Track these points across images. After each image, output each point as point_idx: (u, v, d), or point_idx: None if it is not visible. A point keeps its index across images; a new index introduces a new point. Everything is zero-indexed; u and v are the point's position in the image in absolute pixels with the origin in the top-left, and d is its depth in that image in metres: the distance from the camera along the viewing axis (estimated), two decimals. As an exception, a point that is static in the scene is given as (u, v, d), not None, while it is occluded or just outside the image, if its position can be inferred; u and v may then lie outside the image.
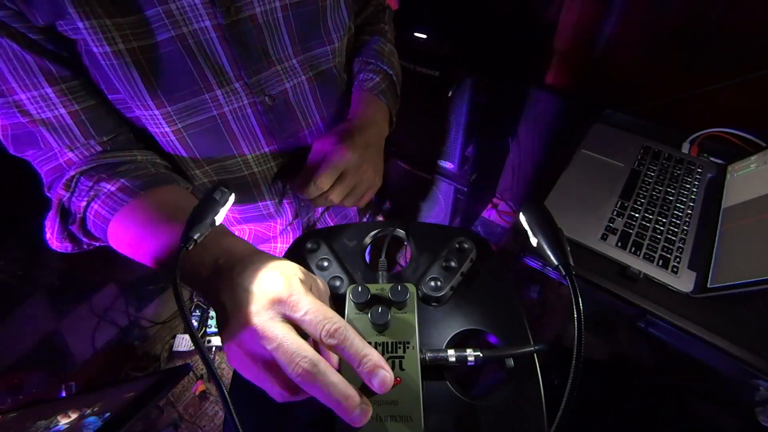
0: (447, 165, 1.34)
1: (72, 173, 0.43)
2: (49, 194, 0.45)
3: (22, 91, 0.38)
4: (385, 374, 0.29)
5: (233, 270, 0.32)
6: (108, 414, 0.69)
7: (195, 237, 0.32)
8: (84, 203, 0.42)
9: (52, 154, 0.43)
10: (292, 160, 0.58)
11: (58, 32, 0.37)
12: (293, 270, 0.33)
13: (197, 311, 1.63)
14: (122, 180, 0.42)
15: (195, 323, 1.61)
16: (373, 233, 0.48)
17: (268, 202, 0.61)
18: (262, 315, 0.29)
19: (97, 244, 0.48)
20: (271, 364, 0.29)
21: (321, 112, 0.57)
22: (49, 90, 0.39)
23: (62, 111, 0.41)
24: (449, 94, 1.13)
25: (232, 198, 0.36)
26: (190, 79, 0.43)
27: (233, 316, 0.30)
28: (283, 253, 0.46)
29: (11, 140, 0.42)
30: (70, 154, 0.43)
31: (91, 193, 0.42)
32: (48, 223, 0.45)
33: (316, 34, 0.51)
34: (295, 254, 0.45)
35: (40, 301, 1.28)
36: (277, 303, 0.30)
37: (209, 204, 0.34)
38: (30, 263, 1.14)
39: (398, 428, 0.31)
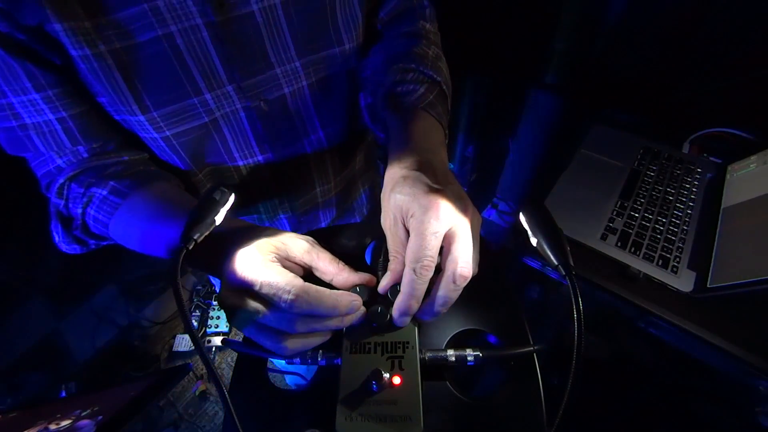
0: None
1: (61, 180, 0.43)
2: (47, 194, 0.45)
3: (13, 96, 0.38)
4: (355, 304, 0.34)
5: (218, 252, 0.35)
6: (107, 414, 0.69)
7: (195, 237, 0.32)
8: (80, 210, 0.43)
9: (43, 159, 0.43)
10: (289, 169, 0.55)
11: (47, 33, 0.35)
12: (254, 248, 0.34)
13: (197, 311, 1.63)
14: (111, 182, 0.42)
15: (195, 323, 1.61)
16: (372, 233, 0.48)
17: (263, 216, 0.59)
18: (230, 298, 0.32)
19: (105, 243, 0.49)
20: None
21: (323, 120, 0.53)
22: (36, 96, 0.38)
23: (51, 117, 0.40)
24: (449, 94, 1.13)
25: (232, 198, 0.36)
26: (177, 82, 0.40)
27: (221, 295, 0.34)
28: None
29: (6, 143, 0.42)
30: (59, 161, 0.43)
31: (84, 199, 0.43)
32: (53, 229, 0.46)
33: (323, 35, 0.46)
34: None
35: (40, 301, 1.28)
36: (240, 284, 0.32)
37: (209, 204, 0.34)
38: (30, 263, 1.14)
39: (398, 428, 0.31)
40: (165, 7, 0.37)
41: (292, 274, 0.33)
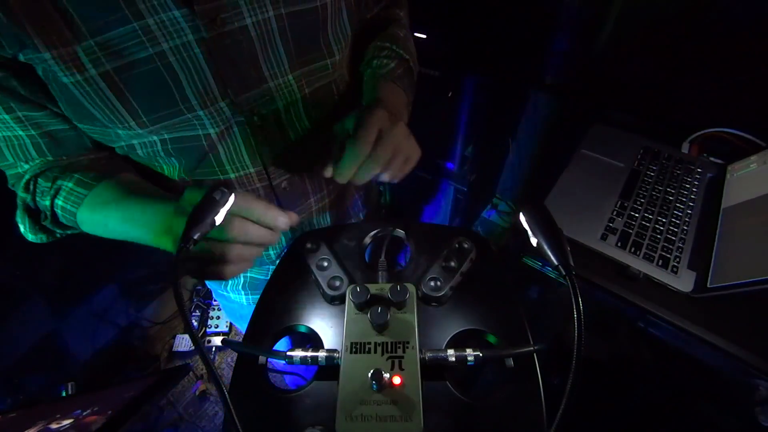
0: (447, 165, 1.35)
1: (28, 177, 0.45)
2: (13, 189, 0.48)
3: None
4: (285, 220, 0.39)
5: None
6: (108, 414, 0.69)
7: (195, 237, 0.32)
8: (48, 202, 0.45)
9: (11, 164, 0.45)
10: (282, 181, 0.55)
11: (21, 62, 0.35)
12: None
13: (197, 311, 1.63)
14: (77, 175, 0.45)
15: (195, 323, 1.61)
16: (372, 233, 0.48)
17: None
18: (177, 222, 0.36)
19: (70, 231, 0.51)
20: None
21: (315, 130, 0.54)
22: (6, 117, 0.40)
23: (21, 133, 0.42)
24: (449, 94, 1.13)
25: (232, 198, 0.36)
26: (170, 100, 0.41)
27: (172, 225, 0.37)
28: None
29: None
30: (26, 166, 0.45)
31: (52, 192, 0.45)
32: (19, 221, 0.48)
33: (315, 47, 0.47)
34: (295, 254, 0.45)
35: (40, 301, 1.28)
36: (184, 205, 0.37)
37: (209, 204, 0.34)
38: (30, 263, 1.14)
39: (398, 428, 0.31)
40: (156, 25, 0.36)
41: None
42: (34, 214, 0.48)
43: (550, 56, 1.30)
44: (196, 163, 0.49)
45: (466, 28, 1.19)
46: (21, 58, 0.35)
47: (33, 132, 0.42)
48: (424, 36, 1.11)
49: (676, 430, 0.91)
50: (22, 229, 0.49)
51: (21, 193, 0.46)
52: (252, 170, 0.51)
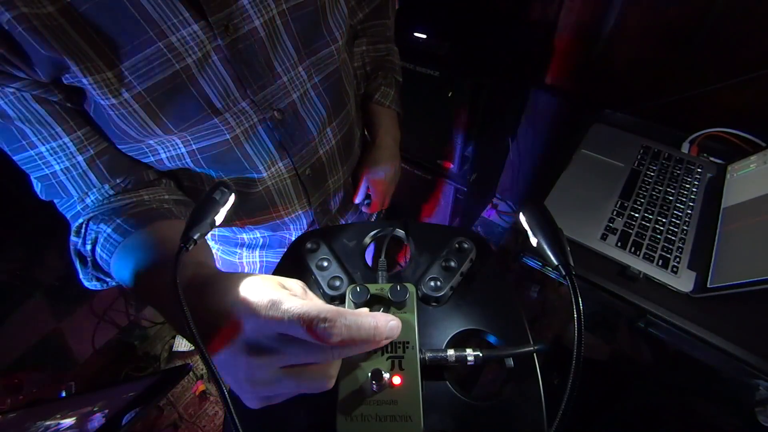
0: (447, 165, 1.34)
1: (82, 220, 0.44)
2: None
3: (42, 144, 0.40)
4: (393, 325, 0.29)
5: (212, 285, 0.30)
6: (108, 414, 0.69)
7: (195, 237, 0.32)
8: (89, 247, 0.44)
9: (72, 202, 0.45)
10: (306, 169, 0.57)
11: (64, 84, 0.36)
12: (263, 286, 0.28)
13: (197, 311, 1.63)
14: (118, 220, 0.42)
15: (195, 323, 1.60)
16: (372, 233, 0.48)
17: (282, 212, 0.61)
18: (249, 355, 0.27)
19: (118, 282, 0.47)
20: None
21: (329, 115, 0.56)
22: (66, 140, 0.40)
23: (80, 159, 0.42)
24: (449, 95, 1.13)
25: (232, 198, 0.36)
26: (197, 107, 0.42)
27: (232, 361, 0.28)
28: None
29: (41, 190, 0.45)
30: (87, 200, 0.45)
31: (93, 236, 0.43)
32: (75, 266, 0.47)
33: (318, 35, 0.49)
34: (295, 254, 0.45)
35: (40, 301, 1.28)
36: (262, 329, 0.27)
37: (209, 204, 0.34)
38: (30, 263, 1.14)
39: (398, 428, 0.31)
40: (178, 42, 0.38)
41: (318, 300, 0.28)
42: (83, 260, 0.46)
43: (550, 56, 1.30)
44: (227, 168, 0.51)
45: (466, 28, 1.19)
46: (63, 81, 0.36)
47: (92, 152, 0.42)
48: (424, 36, 1.11)
49: (676, 430, 0.91)
50: (79, 275, 0.47)
51: (73, 237, 0.45)
52: (281, 164, 0.54)
